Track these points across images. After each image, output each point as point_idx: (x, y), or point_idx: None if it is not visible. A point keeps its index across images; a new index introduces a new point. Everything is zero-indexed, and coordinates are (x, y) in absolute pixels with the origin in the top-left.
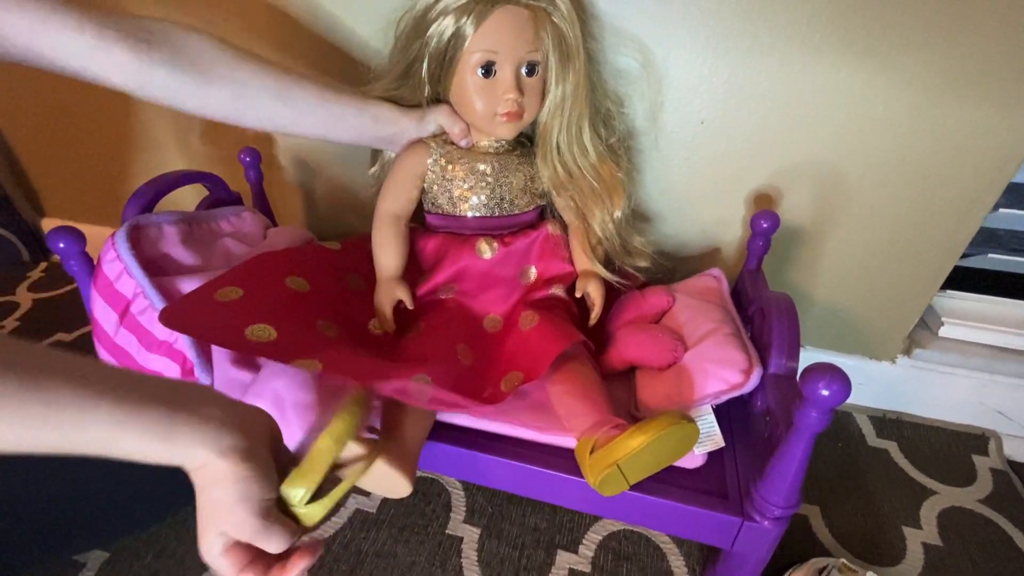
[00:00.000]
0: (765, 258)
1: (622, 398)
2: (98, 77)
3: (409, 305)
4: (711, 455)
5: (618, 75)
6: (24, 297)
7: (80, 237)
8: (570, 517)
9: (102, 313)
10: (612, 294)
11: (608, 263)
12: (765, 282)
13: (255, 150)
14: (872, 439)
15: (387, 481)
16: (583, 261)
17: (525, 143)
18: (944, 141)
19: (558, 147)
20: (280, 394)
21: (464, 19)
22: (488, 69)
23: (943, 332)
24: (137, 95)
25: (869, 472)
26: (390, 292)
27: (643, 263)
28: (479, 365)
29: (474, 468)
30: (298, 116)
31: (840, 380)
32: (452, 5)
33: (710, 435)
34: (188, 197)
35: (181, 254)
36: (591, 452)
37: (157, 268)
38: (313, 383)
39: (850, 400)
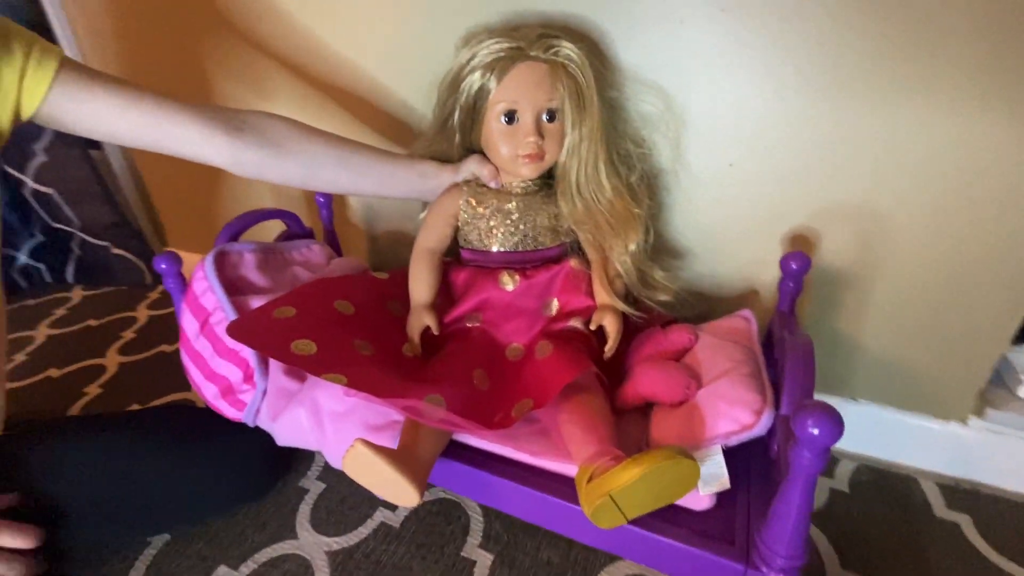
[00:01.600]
0: (808, 303)
1: (636, 434)
2: (204, 159)
3: (435, 331)
4: (723, 499)
5: (642, 119)
6: (142, 314)
7: (177, 260)
8: (584, 555)
9: (188, 322)
10: (633, 330)
11: (632, 299)
12: (796, 324)
13: (328, 194)
14: (940, 510)
15: (396, 488)
16: (601, 294)
17: (551, 184)
18: (1006, 177)
19: (576, 185)
20: (319, 403)
21: (488, 74)
22: (511, 116)
23: (1023, 392)
24: (233, 171)
25: (933, 547)
26: (419, 319)
27: (664, 297)
28: (495, 390)
29: (486, 489)
30: (357, 178)
31: (829, 418)
32: (480, 63)
33: (717, 476)
34: (272, 230)
35: (256, 277)
36: (588, 481)
37: (236, 288)
38: (346, 396)
39: (915, 463)
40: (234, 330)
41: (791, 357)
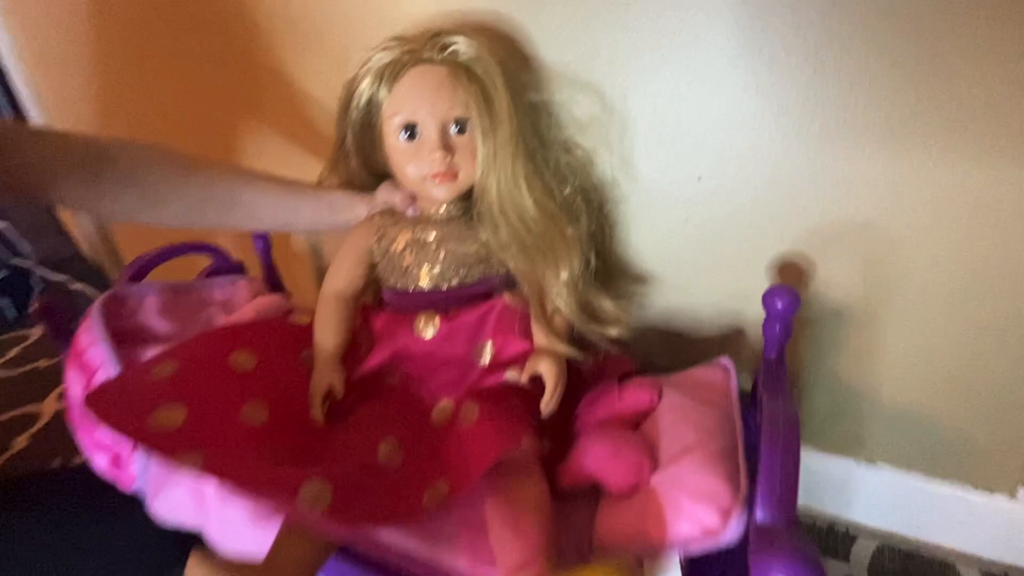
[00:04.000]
0: (805, 345)
1: (580, 525)
2: (52, 203)
3: (338, 392)
4: None
5: (577, 125)
6: None
7: (60, 307)
8: None
9: (72, 381)
10: (585, 381)
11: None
12: (784, 379)
13: None
14: None
15: None
16: (538, 335)
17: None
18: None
19: (496, 204)
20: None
21: (377, 83)
22: (411, 131)
23: None
24: (91, 218)
25: None
26: (321, 377)
27: (616, 331)
28: (409, 467)
29: None
30: (250, 216)
31: (802, 567)
32: (369, 69)
33: None
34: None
35: (158, 323)
36: None
37: (133, 338)
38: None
39: (952, 544)
40: (93, 400)
41: (767, 441)
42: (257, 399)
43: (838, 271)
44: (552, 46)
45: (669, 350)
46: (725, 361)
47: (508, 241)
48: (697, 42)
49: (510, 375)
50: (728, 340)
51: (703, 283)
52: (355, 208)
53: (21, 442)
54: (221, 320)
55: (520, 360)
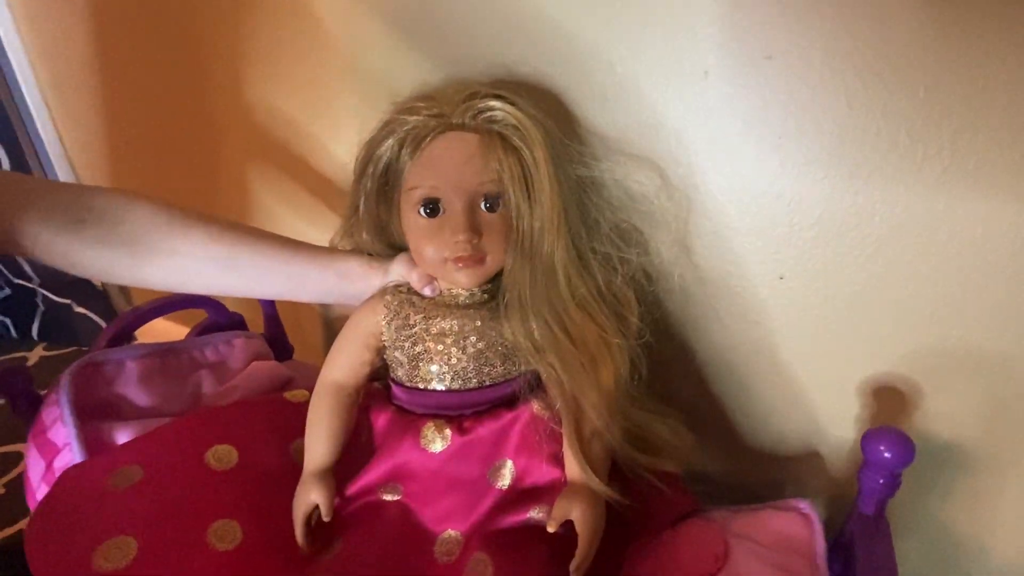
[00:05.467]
0: (904, 479)
1: None
2: (27, 255)
3: (324, 515)
4: None
5: (632, 204)
6: None
7: (25, 377)
8: None
9: (33, 463)
10: (631, 525)
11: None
12: (887, 541)
13: None
14: None
15: None
16: (571, 465)
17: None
18: None
19: (531, 302)
20: None
21: (398, 148)
22: (433, 207)
23: None
24: (73, 273)
25: None
26: (306, 493)
27: (672, 466)
28: None
29: None
30: (250, 282)
31: None
32: (391, 131)
33: None
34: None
35: (137, 394)
36: None
37: (108, 411)
38: None
39: None
40: (32, 534)
41: None
42: (231, 514)
43: (952, 403)
44: (607, 111)
45: (726, 469)
46: (804, 506)
47: (541, 344)
48: (794, 114)
49: (534, 515)
50: (798, 465)
51: (773, 398)
52: (368, 278)
53: None
54: (210, 388)
55: (548, 492)
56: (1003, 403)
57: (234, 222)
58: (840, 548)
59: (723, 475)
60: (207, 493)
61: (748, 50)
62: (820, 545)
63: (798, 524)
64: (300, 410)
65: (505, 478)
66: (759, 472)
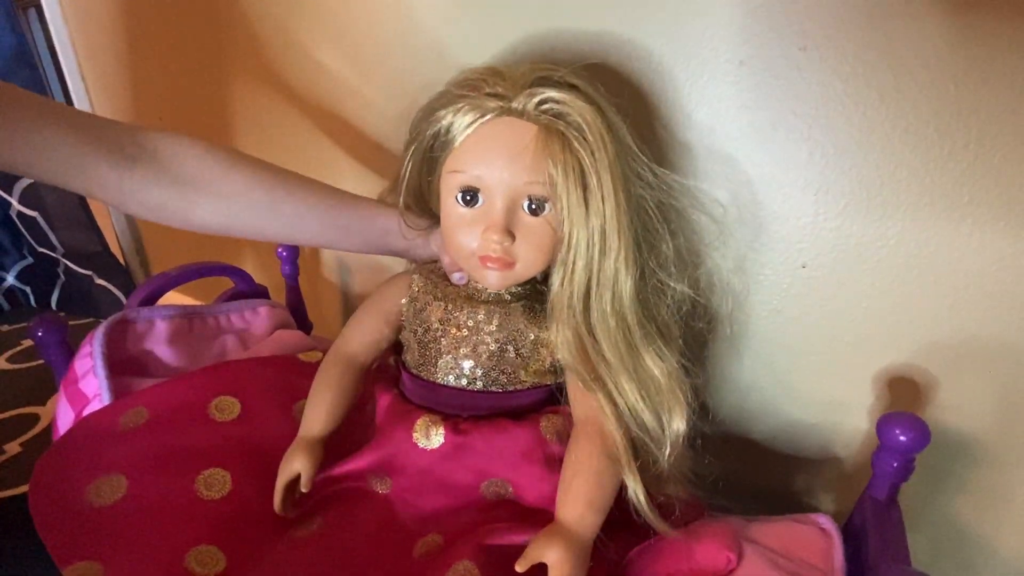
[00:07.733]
0: (913, 478)
1: None
2: (86, 192)
3: (304, 486)
4: None
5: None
6: None
7: (59, 327)
8: None
9: (63, 413)
10: (632, 525)
11: None
12: (899, 527)
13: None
14: None
15: None
16: (561, 501)
17: (542, 289)
18: None
19: (589, 322)
20: None
21: (453, 120)
22: (472, 196)
23: None
24: (124, 211)
25: None
26: (292, 460)
27: (673, 490)
28: None
29: None
30: (292, 228)
31: None
32: (451, 99)
33: None
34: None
35: (165, 352)
36: None
37: (137, 367)
38: None
39: None
40: (38, 466)
41: None
42: (223, 463)
43: (966, 395)
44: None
45: (737, 459)
46: (823, 520)
47: (596, 360)
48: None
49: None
50: (812, 456)
51: (788, 385)
52: (412, 239)
53: (13, 448)
54: (235, 350)
55: (545, 520)
56: (1018, 398)
57: (279, 166)
58: (849, 535)
59: (733, 465)
60: (203, 441)
61: (783, 41)
62: (839, 561)
63: (815, 535)
64: (310, 370)
65: (501, 496)
66: (770, 461)
